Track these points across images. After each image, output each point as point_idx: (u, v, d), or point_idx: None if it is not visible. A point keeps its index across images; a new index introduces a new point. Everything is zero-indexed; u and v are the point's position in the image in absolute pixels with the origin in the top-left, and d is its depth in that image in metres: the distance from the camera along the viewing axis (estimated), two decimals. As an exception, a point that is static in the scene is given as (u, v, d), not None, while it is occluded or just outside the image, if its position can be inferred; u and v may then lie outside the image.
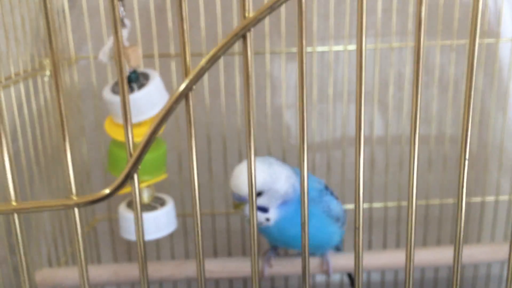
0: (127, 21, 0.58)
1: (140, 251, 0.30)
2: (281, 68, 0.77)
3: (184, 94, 0.28)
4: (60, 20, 0.73)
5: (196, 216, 0.30)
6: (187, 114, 0.28)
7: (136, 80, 0.59)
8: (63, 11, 0.73)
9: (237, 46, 0.75)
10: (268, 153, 0.79)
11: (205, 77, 0.75)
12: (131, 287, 0.85)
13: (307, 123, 0.80)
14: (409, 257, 0.30)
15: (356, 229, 0.29)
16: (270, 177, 0.56)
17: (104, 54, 0.59)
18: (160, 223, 0.65)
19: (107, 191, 0.28)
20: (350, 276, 0.79)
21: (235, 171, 0.57)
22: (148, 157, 0.60)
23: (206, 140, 0.77)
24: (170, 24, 0.72)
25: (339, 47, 0.78)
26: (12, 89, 0.61)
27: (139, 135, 0.32)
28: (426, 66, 0.81)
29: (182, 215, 0.80)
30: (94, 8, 0.74)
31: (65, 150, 0.27)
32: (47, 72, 0.68)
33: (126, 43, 0.59)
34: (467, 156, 0.30)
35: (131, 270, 0.64)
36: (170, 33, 0.72)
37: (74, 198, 0.27)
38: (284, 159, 0.80)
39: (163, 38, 0.74)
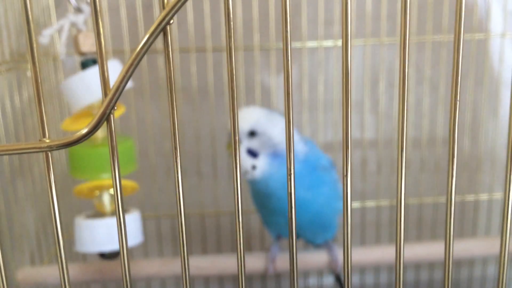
0: (84, 6, 0.56)
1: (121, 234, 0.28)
2: (270, 65, 0.76)
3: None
4: (46, 17, 0.72)
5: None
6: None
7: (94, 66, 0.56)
8: (48, 8, 0.72)
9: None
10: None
11: (194, 74, 0.74)
12: (117, 284, 0.83)
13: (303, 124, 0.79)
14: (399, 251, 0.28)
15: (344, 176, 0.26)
16: (266, 119, 0.55)
17: (45, 36, 0.56)
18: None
19: (83, 131, 0.25)
20: (338, 279, 0.74)
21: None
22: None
23: (195, 140, 0.76)
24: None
25: (329, 43, 0.77)
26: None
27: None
28: (417, 62, 0.80)
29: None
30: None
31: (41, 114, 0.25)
32: (29, 66, 0.66)
33: (84, 28, 0.56)
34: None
35: (116, 268, 0.62)
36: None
37: (47, 140, 0.25)
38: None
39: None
